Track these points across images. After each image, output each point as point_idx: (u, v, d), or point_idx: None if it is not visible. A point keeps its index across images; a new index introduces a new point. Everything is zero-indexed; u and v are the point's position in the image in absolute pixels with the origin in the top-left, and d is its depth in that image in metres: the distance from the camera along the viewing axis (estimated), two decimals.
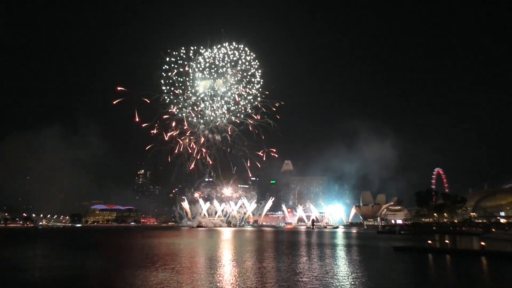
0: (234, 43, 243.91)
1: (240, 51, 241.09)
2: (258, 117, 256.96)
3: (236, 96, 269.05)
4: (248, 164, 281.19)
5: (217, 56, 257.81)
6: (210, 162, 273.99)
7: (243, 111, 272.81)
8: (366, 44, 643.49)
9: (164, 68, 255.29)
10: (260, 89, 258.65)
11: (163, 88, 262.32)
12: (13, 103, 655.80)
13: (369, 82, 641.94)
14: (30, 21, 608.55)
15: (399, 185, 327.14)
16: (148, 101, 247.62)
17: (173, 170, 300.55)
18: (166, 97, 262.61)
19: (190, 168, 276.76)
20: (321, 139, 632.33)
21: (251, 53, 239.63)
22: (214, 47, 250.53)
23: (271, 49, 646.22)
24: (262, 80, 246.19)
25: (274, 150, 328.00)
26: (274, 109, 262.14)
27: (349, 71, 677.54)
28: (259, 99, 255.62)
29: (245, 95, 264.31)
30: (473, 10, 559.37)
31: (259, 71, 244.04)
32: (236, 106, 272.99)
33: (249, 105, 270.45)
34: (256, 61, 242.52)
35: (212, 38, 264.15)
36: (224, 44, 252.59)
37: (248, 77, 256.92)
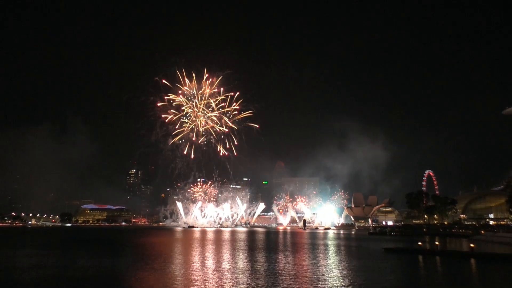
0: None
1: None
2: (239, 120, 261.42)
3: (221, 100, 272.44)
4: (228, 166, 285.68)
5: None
6: (193, 163, 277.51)
7: (229, 115, 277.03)
8: (358, 45, 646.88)
9: (153, 71, 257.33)
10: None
11: (150, 90, 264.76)
12: (1, 101, 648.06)
13: (361, 84, 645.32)
14: (21, 21, 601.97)
15: (390, 186, 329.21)
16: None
17: (161, 170, 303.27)
18: (153, 99, 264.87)
19: (176, 167, 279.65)
20: (313, 140, 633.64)
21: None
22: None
23: (264, 49, 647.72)
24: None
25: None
26: (254, 111, 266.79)
27: (342, 72, 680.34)
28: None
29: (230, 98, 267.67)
30: (466, 16, 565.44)
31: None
32: (221, 110, 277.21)
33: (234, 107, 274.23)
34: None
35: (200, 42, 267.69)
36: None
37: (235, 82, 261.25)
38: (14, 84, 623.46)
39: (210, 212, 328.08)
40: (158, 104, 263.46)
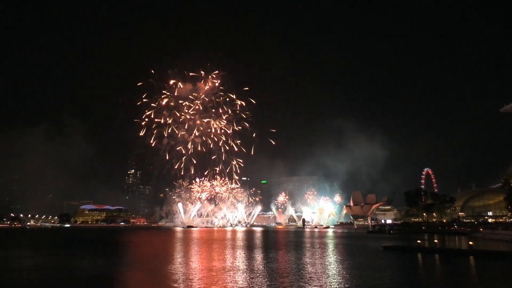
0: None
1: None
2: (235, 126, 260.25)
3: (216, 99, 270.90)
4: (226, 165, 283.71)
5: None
6: (194, 162, 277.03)
7: (225, 115, 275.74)
8: (357, 44, 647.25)
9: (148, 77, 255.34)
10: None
11: (146, 93, 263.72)
12: None
13: (360, 82, 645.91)
14: (16, 21, 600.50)
15: (389, 185, 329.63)
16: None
17: (158, 171, 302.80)
18: (148, 100, 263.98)
19: (175, 167, 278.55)
20: (312, 139, 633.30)
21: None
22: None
23: (262, 49, 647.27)
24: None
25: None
26: (250, 113, 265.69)
27: (340, 70, 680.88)
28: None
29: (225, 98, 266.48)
30: (464, 16, 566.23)
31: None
32: (216, 111, 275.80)
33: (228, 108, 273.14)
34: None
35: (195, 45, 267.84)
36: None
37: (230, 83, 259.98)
38: (11, 85, 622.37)
39: (208, 212, 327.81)
40: (146, 114, 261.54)
